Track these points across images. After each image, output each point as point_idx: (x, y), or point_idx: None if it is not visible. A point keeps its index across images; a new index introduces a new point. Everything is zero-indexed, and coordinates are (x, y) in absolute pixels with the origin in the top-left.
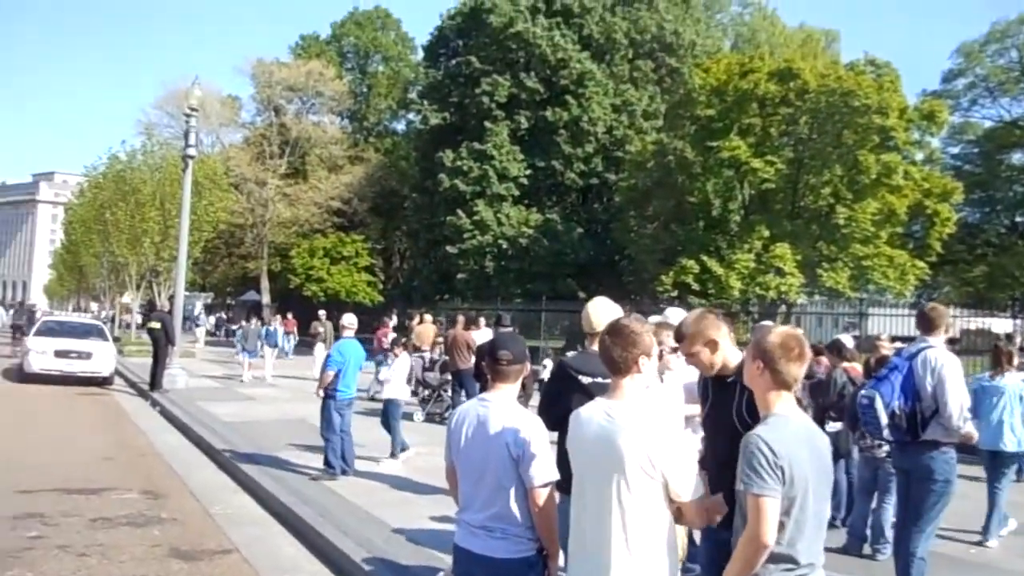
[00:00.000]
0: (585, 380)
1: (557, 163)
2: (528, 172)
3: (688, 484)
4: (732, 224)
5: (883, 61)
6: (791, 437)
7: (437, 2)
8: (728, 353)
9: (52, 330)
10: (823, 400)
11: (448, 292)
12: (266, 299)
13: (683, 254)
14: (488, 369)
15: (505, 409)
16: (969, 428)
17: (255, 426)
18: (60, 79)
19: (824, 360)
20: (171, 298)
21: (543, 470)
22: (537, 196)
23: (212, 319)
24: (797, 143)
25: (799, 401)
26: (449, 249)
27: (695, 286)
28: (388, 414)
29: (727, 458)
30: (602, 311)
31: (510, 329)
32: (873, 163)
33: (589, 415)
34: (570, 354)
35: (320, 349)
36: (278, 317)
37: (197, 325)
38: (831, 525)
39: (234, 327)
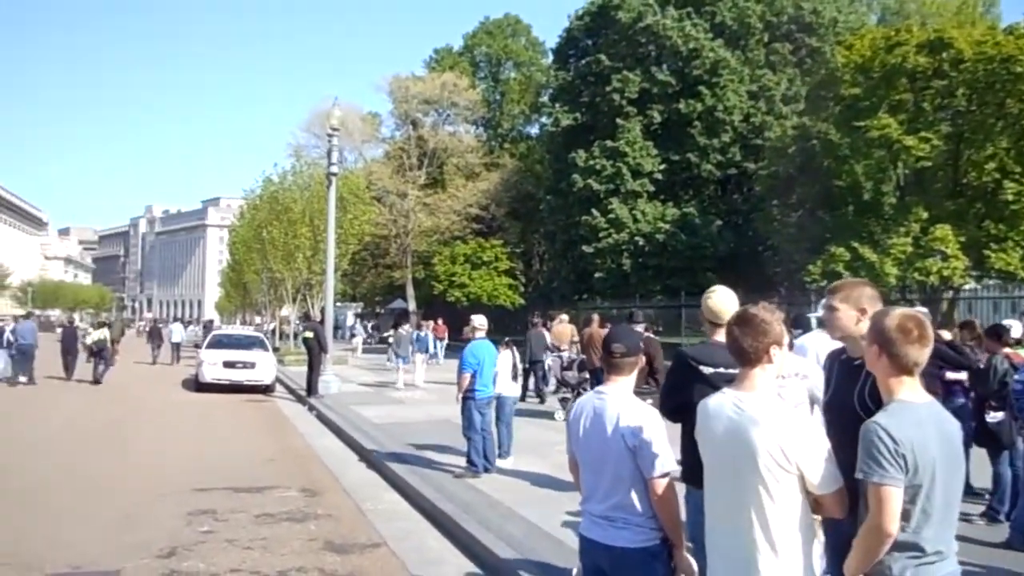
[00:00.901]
0: (707, 371)
1: (692, 156)
2: (663, 167)
3: (824, 475)
4: (886, 207)
5: None
6: (914, 424)
7: (566, 4)
8: None
9: (220, 343)
10: (983, 389)
11: (586, 292)
12: (412, 306)
13: (832, 241)
14: (603, 362)
15: (620, 401)
16: None
17: (403, 427)
18: (223, 110)
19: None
20: (323, 309)
21: (660, 460)
22: (673, 190)
23: (367, 327)
24: (955, 117)
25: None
26: (585, 249)
27: (846, 275)
28: (497, 411)
29: (848, 443)
30: (726, 301)
31: (642, 326)
32: None
33: (718, 406)
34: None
35: None
36: (429, 323)
37: (354, 335)
38: (994, 520)
39: (385, 334)
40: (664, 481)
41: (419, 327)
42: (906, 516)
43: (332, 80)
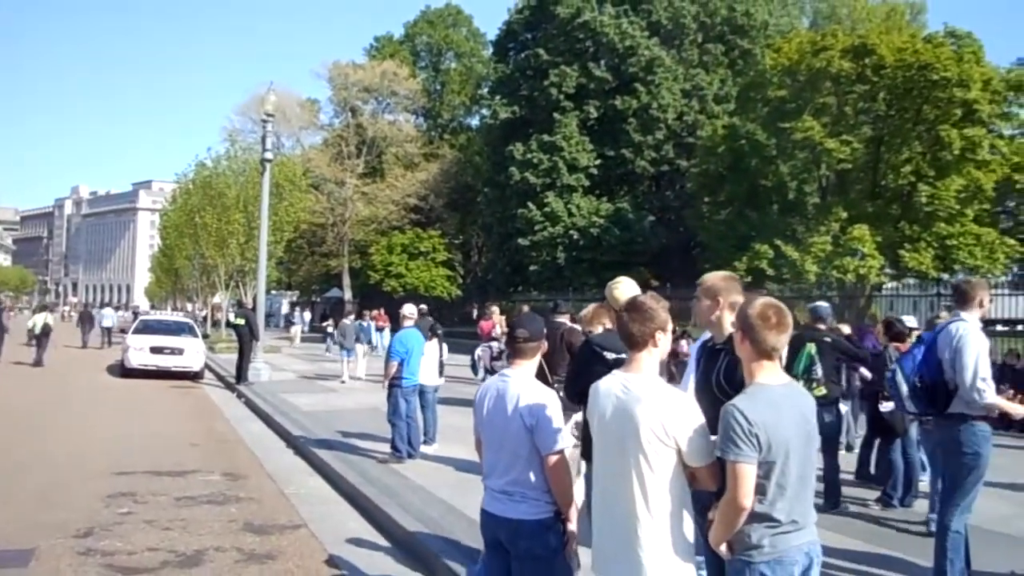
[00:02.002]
0: (610, 356)
1: (627, 152)
2: (598, 162)
3: (698, 449)
4: (809, 207)
5: (964, 32)
6: (769, 405)
7: None
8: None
9: (148, 328)
10: (879, 379)
11: (522, 284)
12: (348, 295)
13: (757, 239)
14: (507, 347)
15: (521, 383)
16: (992, 401)
17: (332, 415)
18: (156, 91)
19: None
20: (255, 296)
21: (554, 438)
22: (608, 185)
23: (307, 315)
24: (876, 121)
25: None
26: (521, 241)
27: (770, 271)
28: (420, 399)
29: (711, 421)
30: (629, 291)
31: (566, 316)
32: (956, 138)
33: (608, 388)
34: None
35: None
36: (373, 313)
37: (292, 323)
38: (888, 504)
39: (324, 324)
40: (556, 457)
41: (361, 316)
42: (762, 490)
43: (271, 64)
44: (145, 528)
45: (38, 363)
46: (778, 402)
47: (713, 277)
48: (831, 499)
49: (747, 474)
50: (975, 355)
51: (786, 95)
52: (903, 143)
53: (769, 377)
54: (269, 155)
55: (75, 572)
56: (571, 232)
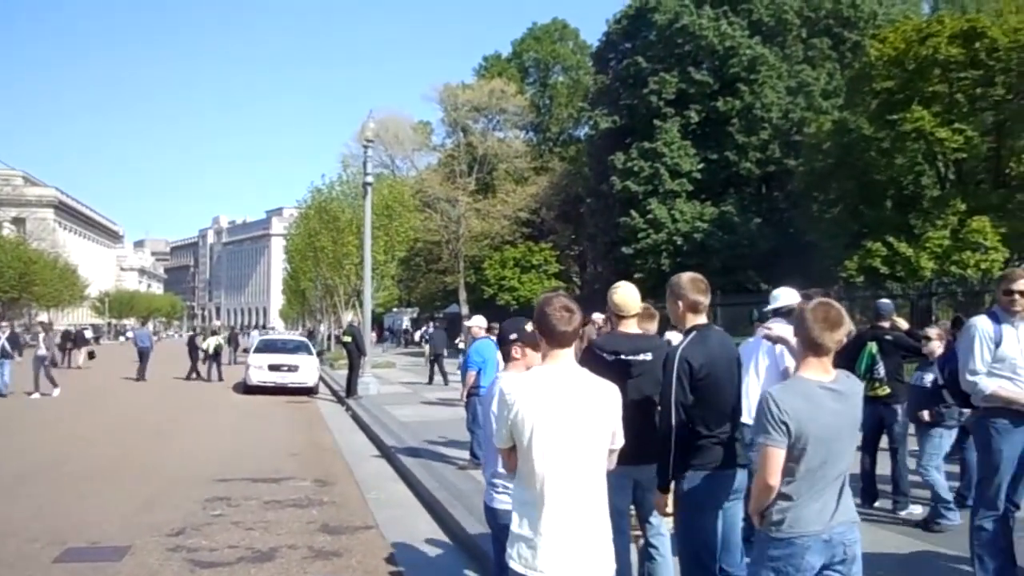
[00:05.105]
0: (609, 358)
1: (731, 154)
2: (701, 166)
3: (621, 432)
4: (926, 201)
5: None
6: (802, 397)
7: (612, 7)
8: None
9: (267, 347)
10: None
11: None
12: (464, 310)
13: (870, 237)
14: (501, 351)
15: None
16: (990, 391)
17: (426, 425)
18: (286, 122)
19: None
20: (364, 314)
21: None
22: (712, 189)
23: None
24: (995, 107)
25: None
26: (625, 250)
27: (883, 269)
28: None
29: None
30: (629, 295)
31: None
32: None
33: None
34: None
35: None
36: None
37: (426, 340)
38: (964, 504)
39: (456, 340)
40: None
41: (491, 332)
42: (790, 472)
43: (388, 91)
44: (231, 528)
45: (219, 379)
46: (814, 396)
47: (678, 279)
48: (897, 496)
49: (773, 456)
50: (967, 347)
51: (893, 86)
52: None
53: (813, 373)
54: (370, 179)
55: (161, 566)
56: (675, 238)
